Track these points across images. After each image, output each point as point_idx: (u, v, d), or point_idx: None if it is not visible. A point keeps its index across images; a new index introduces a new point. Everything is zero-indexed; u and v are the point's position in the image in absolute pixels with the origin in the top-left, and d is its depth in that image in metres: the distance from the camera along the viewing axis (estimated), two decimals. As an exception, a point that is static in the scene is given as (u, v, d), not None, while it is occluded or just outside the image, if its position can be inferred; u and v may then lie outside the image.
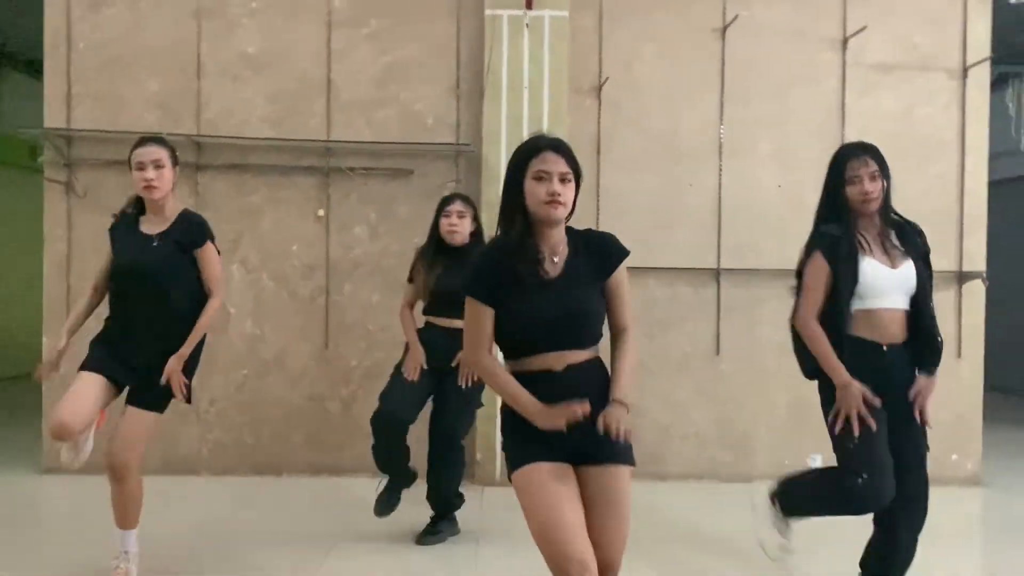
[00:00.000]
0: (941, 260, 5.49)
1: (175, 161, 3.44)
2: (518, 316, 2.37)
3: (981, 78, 5.53)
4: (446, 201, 4.15)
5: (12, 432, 6.54)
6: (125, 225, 3.45)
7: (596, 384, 2.39)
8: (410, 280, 4.22)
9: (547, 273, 2.38)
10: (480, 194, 5.31)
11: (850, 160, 3.21)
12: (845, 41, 5.48)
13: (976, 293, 5.51)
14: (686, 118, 5.52)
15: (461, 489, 4.27)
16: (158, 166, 3.33)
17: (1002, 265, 8.25)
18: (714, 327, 5.45)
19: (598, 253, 2.45)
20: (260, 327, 5.38)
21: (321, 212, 5.38)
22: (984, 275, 5.48)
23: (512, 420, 2.40)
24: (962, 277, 5.50)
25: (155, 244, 3.36)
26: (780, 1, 5.51)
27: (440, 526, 4.17)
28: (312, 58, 5.40)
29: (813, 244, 3.23)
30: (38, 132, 5.33)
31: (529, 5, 5.25)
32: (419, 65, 5.41)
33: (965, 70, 5.50)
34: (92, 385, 3.30)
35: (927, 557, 3.85)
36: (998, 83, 6.34)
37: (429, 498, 4.20)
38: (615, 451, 2.35)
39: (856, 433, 3.01)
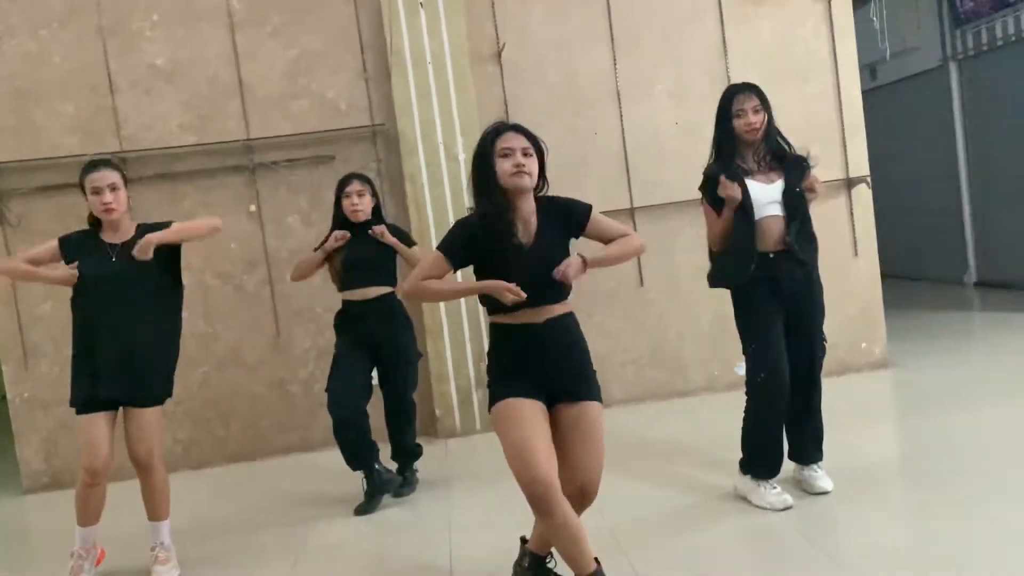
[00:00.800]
0: (830, 170, 5.99)
1: (125, 180, 3.68)
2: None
3: (844, -2, 6.01)
4: (344, 183, 4.38)
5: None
6: (83, 239, 3.68)
7: (572, 333, 2.83)
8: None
9: (521, 240, 2.76)
10: (401, 167, 5.61)
11: (736, 96, 3.72)
12: (718, -21, 5.89)
13: (864, 195, 6.03)
14: (582, 70, 5.87)
15: (420, 442, 4.69)
16: (113, 188, 3.57)
17: (889, 162, 8.91)
18: (635, 260, 5.88)
19: (564, 215, 2.86)
20: (212, 325, 5.63)
21: (253, 208, 5.63)
22: (868, 179, 6.00)
23: (497, 363, 2.81)
24: (850, 183, 6.01)
25: (117, 252, 3.60)
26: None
27: (408, 477, 4.56)
28: (221, 61, 5.59)
29: (702, 189, 3.79)
30: (-37, 170, 5.43)
31: (421, -17, 5.51)
32: (325, 55, 5.64)
33: (829, -8, 5.97)
34: (98, 423, 3.55)
35: (845, 432, 4.43)
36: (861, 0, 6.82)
37: (394, 456, 4.58)
38: (585, 390, 2.79)
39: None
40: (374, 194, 4.44)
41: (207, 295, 5.62)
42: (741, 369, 5.67)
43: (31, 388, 5.50)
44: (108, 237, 3.66)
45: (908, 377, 5.85)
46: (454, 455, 5.27)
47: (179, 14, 5.55)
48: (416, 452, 4.63)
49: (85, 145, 5.45)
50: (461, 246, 2.79)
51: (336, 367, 4.35)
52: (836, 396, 5.49)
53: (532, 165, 2.77)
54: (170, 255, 3.71)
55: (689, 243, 5.73)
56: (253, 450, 5.68)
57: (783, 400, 3.68)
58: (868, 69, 9.60)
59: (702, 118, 5.89)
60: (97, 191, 3.56)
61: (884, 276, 6.19)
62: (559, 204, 2.88)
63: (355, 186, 4.35)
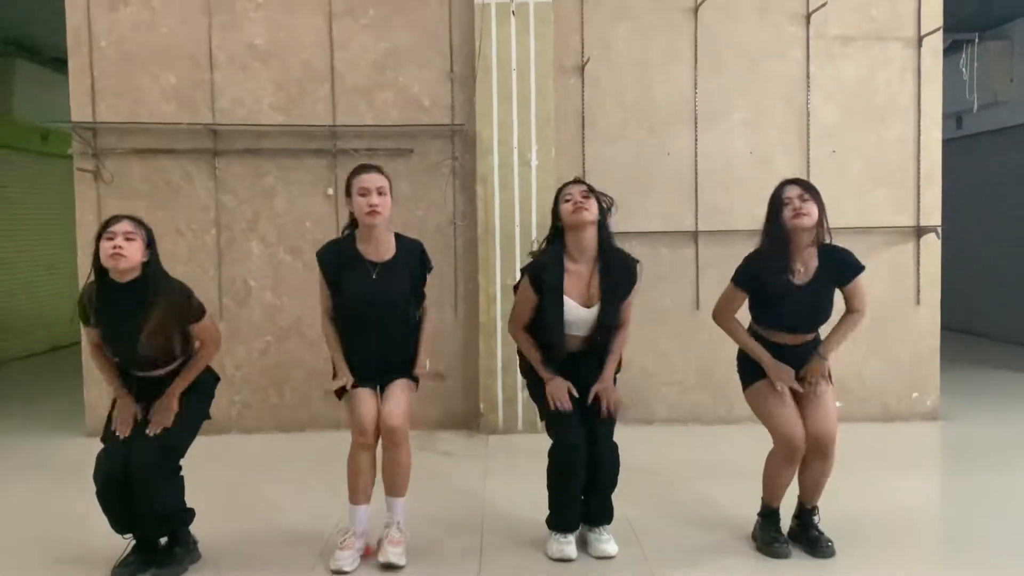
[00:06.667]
0: (901, 215, 6.00)
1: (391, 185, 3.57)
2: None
3: (934, 46, 5.96)
4: (109, 223, 3.35)
5: (53, 401, 7.06)
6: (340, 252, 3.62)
7: None
8: None
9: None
10: (475, 168, 5.78)
11: (567, 187, 3.66)
12: (808, 16, 5.92)
13: (932, 245, 5.98)
14: (661, 90, 5.96)
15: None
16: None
17: (963, 213, 8.75)
18: (693, 282, 5.95)
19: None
20: (279, 297, 5.88)
21: (330, 191, 5.86)
22: (938, 229, 5.95)
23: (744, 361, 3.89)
24: (920, 231, 5.97)
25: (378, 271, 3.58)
26: (747, -20, 5.94)
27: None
28: (315, 48, 5.84)
29: (525, 269, 3.72)
30: (68, 126, 5.77)
31: (514, -8, 5.68)
32: (415, 51, 5.85)
33: (920, 39, 5.94)
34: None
35: (889, 481, 4.42)
36: (952, 50, 6.75)
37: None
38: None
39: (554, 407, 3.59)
40: (149, 244, 3.39)
41: (278, 268, 5.87)
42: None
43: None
44: (368, 252, 3.56)
45: (957, 432, 5.77)
46: (493, 451, 5.41)
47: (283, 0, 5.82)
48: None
49: (180, 114, 5.75)
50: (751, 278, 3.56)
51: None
52: (879, 443, 5.52)
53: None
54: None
55: (749, 272, 5.75)
56: (303, 420, 5.91)
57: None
58: (954, 118, 9.46)
59: (776, 149, 5.97)
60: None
61: (941, 328, 6.12)
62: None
63: (124, 226, 3.33)
